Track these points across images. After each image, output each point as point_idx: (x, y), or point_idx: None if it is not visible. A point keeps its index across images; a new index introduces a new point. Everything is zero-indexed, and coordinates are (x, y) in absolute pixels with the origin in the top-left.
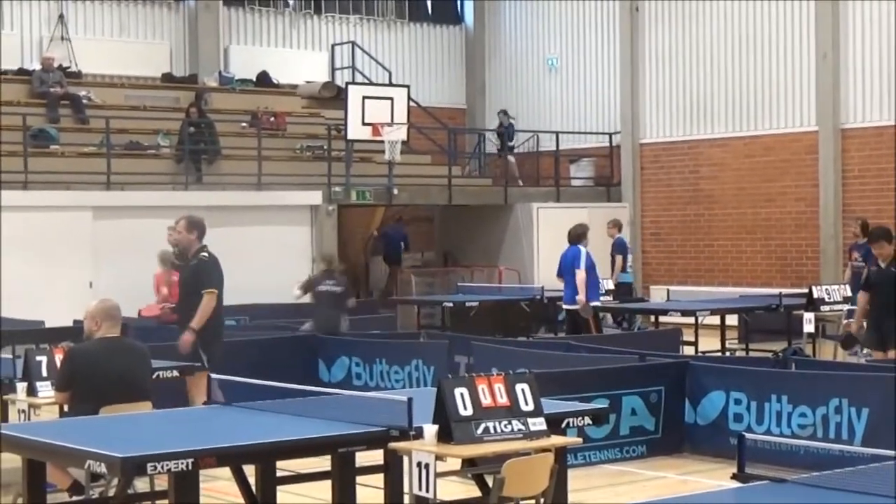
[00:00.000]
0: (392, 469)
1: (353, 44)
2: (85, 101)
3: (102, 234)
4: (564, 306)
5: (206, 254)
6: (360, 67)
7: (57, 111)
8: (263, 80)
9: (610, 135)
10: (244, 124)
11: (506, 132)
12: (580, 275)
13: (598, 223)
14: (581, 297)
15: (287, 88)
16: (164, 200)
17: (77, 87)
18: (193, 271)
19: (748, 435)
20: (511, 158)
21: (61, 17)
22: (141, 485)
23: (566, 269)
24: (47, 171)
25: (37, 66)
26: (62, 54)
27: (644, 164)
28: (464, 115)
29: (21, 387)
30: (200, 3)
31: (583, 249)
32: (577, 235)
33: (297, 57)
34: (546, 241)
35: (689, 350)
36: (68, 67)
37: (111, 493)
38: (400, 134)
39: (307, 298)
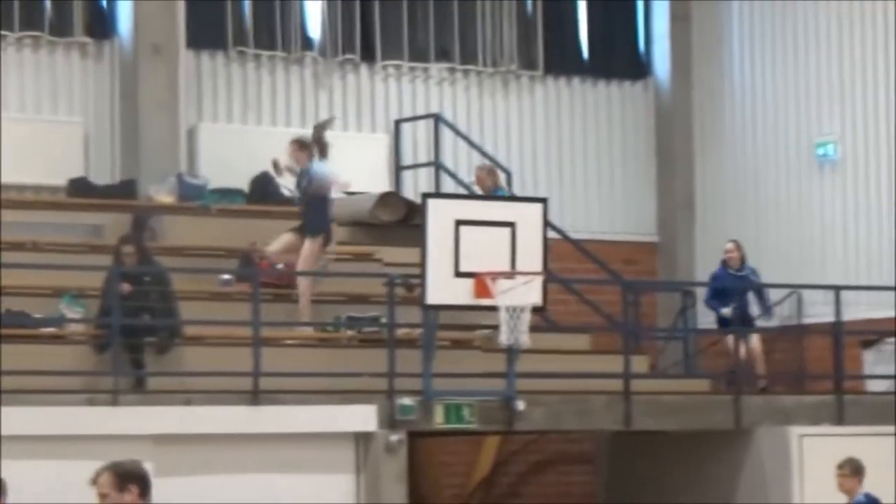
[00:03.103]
0: None
1: (437, 117)
2: None
3: None
4: None
5: None
6: (449, 162)
7: None
8: (263, 190)
9: None
10: (227, 276)
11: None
12: None
13: None
14: None
15: None
16: (72, 427)
17: None
18: None
19: None
20: (755, 343)
21: None
22: None
23: None
24: None
25: None
26: None
27: None
28: (653, 254)
29: None
30: (143, 42)
31: None
32: None
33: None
34: (818, 495)
35: None
36: None
37: None
38: (529, 293)
39: None
